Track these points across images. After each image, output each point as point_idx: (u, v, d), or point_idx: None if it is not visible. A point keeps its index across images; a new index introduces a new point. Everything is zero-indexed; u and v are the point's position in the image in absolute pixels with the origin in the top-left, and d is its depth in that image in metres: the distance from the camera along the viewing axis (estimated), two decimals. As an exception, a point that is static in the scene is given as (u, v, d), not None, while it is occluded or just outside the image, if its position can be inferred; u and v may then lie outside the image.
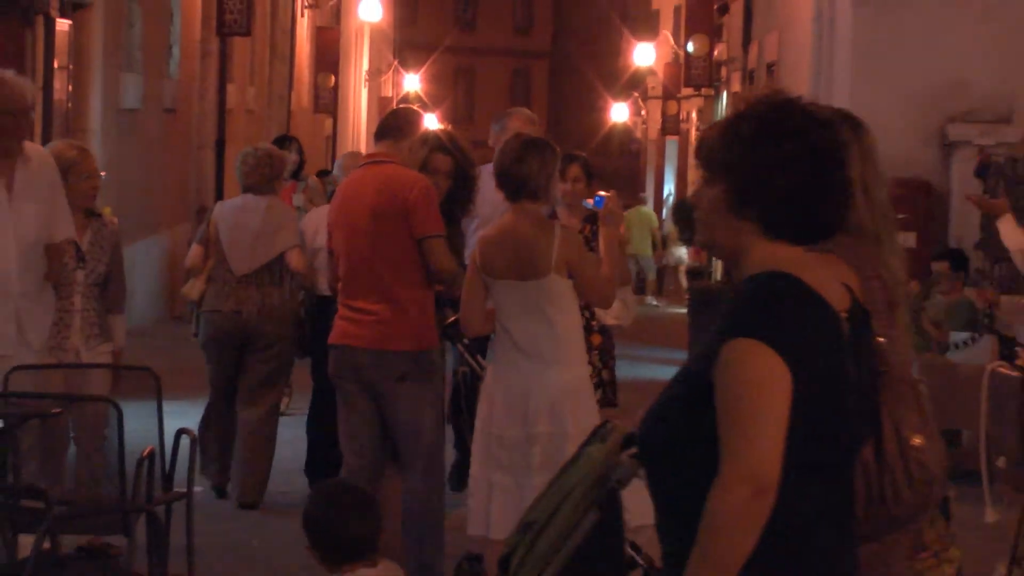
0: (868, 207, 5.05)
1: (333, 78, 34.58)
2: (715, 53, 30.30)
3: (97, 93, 18.28)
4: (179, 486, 7.50)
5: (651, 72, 43.93)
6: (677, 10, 35.24)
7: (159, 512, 7.04)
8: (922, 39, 16.39)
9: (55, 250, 8.23)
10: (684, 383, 3.89)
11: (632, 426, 4.15)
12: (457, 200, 8.92)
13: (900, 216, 17.20)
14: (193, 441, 7.34)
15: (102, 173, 9.28)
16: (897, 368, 3.99)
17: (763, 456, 3.69)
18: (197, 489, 7.75)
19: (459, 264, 8.18)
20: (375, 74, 46.23)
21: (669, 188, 42.46)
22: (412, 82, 54.38)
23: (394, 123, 8.59)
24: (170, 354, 14.26)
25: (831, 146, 3.92)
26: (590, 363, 8.30)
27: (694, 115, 37.63)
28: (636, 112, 52.43)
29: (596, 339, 9.37)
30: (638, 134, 53.61)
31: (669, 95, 39.72)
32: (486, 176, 8.82)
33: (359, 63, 42.40)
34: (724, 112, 30.06)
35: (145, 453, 6.99)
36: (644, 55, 42.77)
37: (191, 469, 7.26)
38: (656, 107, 44.35)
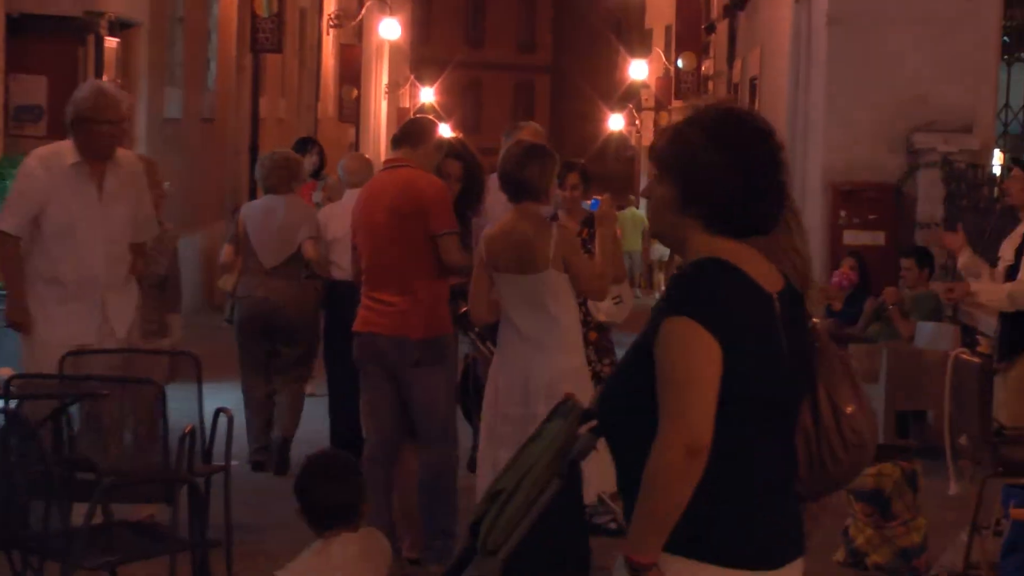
0: None
1: (356, 90, 34.55)
2: (703, 68, 30.28)
3: (143, 105, 18.28)
4: (217, 460, 7.52)
5: (644, 86, 43.88)
6: (668, 29, 35.21)
7: (199, 483, 7.05)
8: (890, 57, 16.37)
9: (139, 249, 8.27)
10: (634, 358, 3.97)
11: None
12: (467, 201, 8.92)
13: (871, 217, 17.19)
14: (230, 419, 7.34)
15: (166, 184, 9.32)
16: (828, 344, 4.04)
17: (695, 420, 3.77)
18: (234, 463, 7.76)
19: (469, 259, 8.19)
20: (394, 87, 46.20)
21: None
22: (427, 94, 54.32)
23: (411, 131, 8.59)
24: (209, 340, 14.23)
25: (768, 153, 3.97)
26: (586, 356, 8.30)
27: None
28: (631, 122, 52.35)
29: (592, 335, 9.37)
30: (632, 142, 53.56)
31: (661, 107, 39.69)
32: (495, 182, 8.84)
33: (379, 77, 42.38)
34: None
35: (187, 430, 7.00)
36: (638, 70, 42.72)
37: (228, 444, 7.27)
38: (649, 117, 44.34)
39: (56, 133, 15.98)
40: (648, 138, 45.73)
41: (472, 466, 10.01)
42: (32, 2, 15.47)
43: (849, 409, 4.01)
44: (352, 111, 34.69)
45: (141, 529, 6.95)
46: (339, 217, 10.35)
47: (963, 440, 8.95)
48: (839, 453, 4.01)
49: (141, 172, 8.30)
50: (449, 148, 8.90)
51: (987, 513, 8.67)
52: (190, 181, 20.21)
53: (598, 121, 58.23)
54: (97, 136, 8.00)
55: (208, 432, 7.32)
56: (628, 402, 3.94)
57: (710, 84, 30.17)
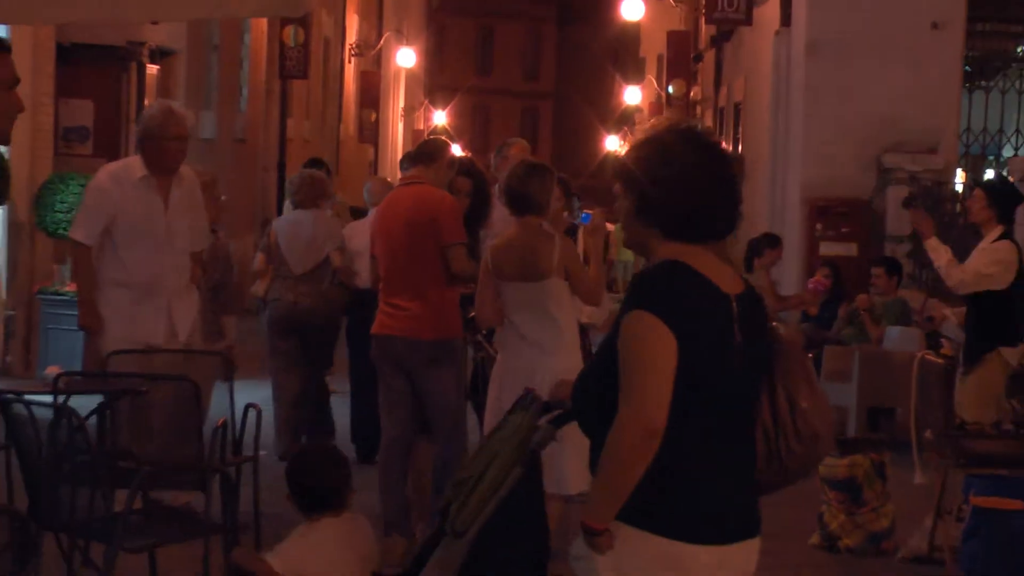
0: None
1: (375, 113, 34.57)
2: (691, 94, 30.25)
3: (180, 126, 18.25)
4: (247, 451, 7.51)
5: (638, 110, 43.82)
6: (660, 58, 35.16)
7: (231, 472, 7.04)
8: (862, 84, 16.37)
9: (196, 257, 8.28)
10: (602, 349, 4.01)
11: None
12: (476, 214, 8.92)
13: (844, 229, 17.18)
14: (259, 414, 7.34)
15: (223, 197, 9.33)
16: (788, 345, 4.05)
17: (651, 404, 3.80)
18: (262, 453, 7.75)
19: (476, 268, 8.18)
20: (409, 110, 46.20)
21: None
22: (440, 117, 54.27)
23: (426, 151, 8.60)
24: (240, 342, 14.23)
25: (717, 166, 4.01)
26: None
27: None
28: (626, 142, 52.38)
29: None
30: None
31: (653, 129, 39.63)
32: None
33: (396, 101, 42.39)
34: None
35: (219, 423, 6.99)
36: (632, 96, 42.70)
37: (257, 436, 7.26)
38: (642, 139, 44.30)
39: (101, 152, 16.06)
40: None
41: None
42: (80, 32, 15.48)
43: (804, 405, 4.02)
44: (371, 132, 34.73)
45: (177, 514, 6.94)
46: (361, 232, 10.43)
47: (928, 434, 8.95)
48: (793, 445, 4.02)
49: (198, 185, 8.30)
50: (460, 166, 8.91)
51: (950, 501, 8.66)
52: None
53: (596, 142, 58.22)
54: (166, 152, 7.99)
55: (239, 425, 7.31)
56: (598, 390, 3.97)
57: (698, 108, 30.15)
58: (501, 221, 9.10)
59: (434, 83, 58.93)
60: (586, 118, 58.84)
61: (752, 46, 21.06)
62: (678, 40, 30.48)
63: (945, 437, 8.75)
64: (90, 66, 16.04)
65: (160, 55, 17.65)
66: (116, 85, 16.49)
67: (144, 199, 7.96)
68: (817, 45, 16.72)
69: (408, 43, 39.98)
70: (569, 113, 66.15)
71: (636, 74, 44.37)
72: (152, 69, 17.24)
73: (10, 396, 6.64)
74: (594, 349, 9.65)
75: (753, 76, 21.23)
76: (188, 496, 7.36)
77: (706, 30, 27.21)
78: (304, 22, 24.25)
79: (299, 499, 5.22)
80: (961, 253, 9.97)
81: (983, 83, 17.49)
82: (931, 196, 16.01)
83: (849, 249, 16.20)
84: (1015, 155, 16.99)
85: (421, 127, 50.39)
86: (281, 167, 24.11)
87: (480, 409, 9.48)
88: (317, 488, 5.09)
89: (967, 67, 17.04)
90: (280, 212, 15.40)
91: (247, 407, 7.32)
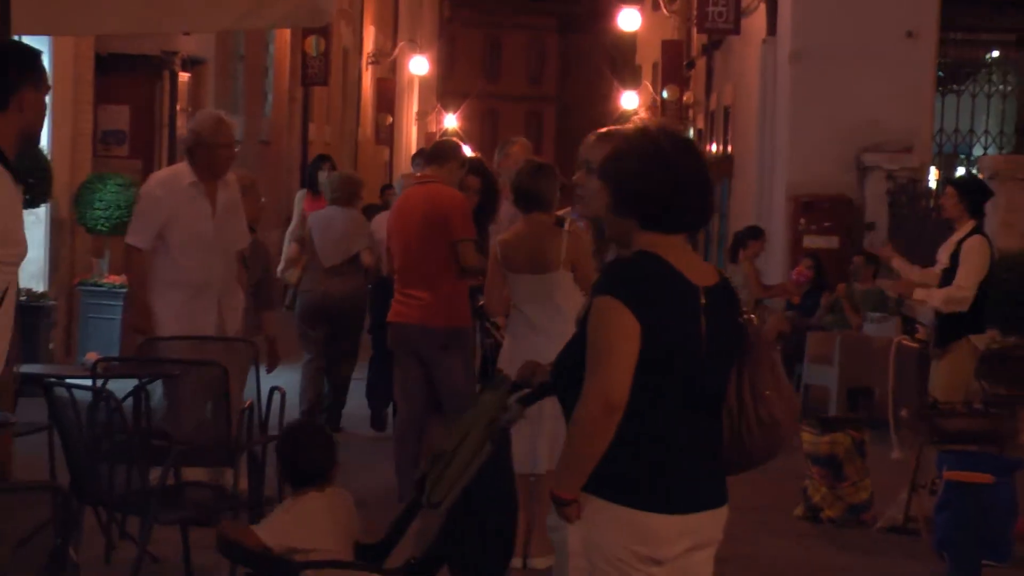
0: None
1: (390, 117, 34.55)
2: (684, 99, 30.22)
3: (210, 130, 18.25)
4: (272, 431, 7.51)
5: (635, 113, 43.86)
6: (655, 66, 35.13)
7: (257, 450, 7.05)
8: (843, 88, 16.35)
9: (240, 256, 8.25)
10: (578, 332, 4.03)
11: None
12: (485, 211, 8.91)
13: (826, 224, 17.19)
14: (283, 396, 7.34)
15: (263, 199, 9.32)
16: (758, 336, 4.05)
17: (612, 382, 3.82)
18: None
19: (483, 261, 8.18)
20: (422, 115, 46.18)
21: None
22: (451, 120, 54.22)
23: (438, 152, 8.60)
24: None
25: (689, 163, 4.01)
26: None
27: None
28: (623, 144, 52.33)
29: None
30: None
31: (648, 131, 39.62)
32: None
33: (410, 106, 42.38)
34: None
35: (247, 405, 7.00)
36: (629, 100, 42.69)
37: (281, 417, 7.25)
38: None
39: (136, 154, 16.09)
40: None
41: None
42: (118, 43, 15.48)
43: (767, 393, 4.02)
44: (387, 135, 34.71)
45: (208, 489, 6.95)
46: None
47: (904, 413, 8.96)
48: (754, 429, 4.02)
49: (238, 188, 8.25)
50: (470, 165, 8.90)
51: (924, 475, 8.66)
52: (250, 194, 20.18)
53: (596, 143, 58.11)
54: (217, 158, 7.92)
55: (264, 407, 7.32)
56: (572, 369, 3.98)
57: (690, 112, 30.13)
58: (508, 217, 9.11)
59: (445, 89, 58.88)
60: (586, 121, 58.76)
61: (740, 54, 21.04)
62: (671, 49, 30.45)
63: (920, 416, 8.75)
64: (126, 74, 16.05)
65: (191, 64, 17.66)
66: (150, 92, 16.50)
67: (194, 204, 7.89)
68: (801, 53, 16.70)
69: (421, 52, 39.95)
70: (570, 116, 66.10)
71: (633, 80, 44.36)
72: (184, 77, 17.25)
73: (52, 380, 6.66)
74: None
75: (741, 82, 21.21)
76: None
77: (698, 39, 27.18)
78: (325, 33, 24.25)
79: (287, 475, 5.22)
80: (935, 245, 9.95)
81: (955, 87, 17.46)
82: (907, 192, 16.00)
83: (831, 242, 16.19)
84: (984, 154, 16.97)
85: (433, 130, 50.38)
86: (303, 169, 24.10)
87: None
88: (303, 464, 5.08)
89: (940, 73, 17.02)
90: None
91: (272, 390, 7.33)
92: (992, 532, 7.98)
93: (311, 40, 24.33)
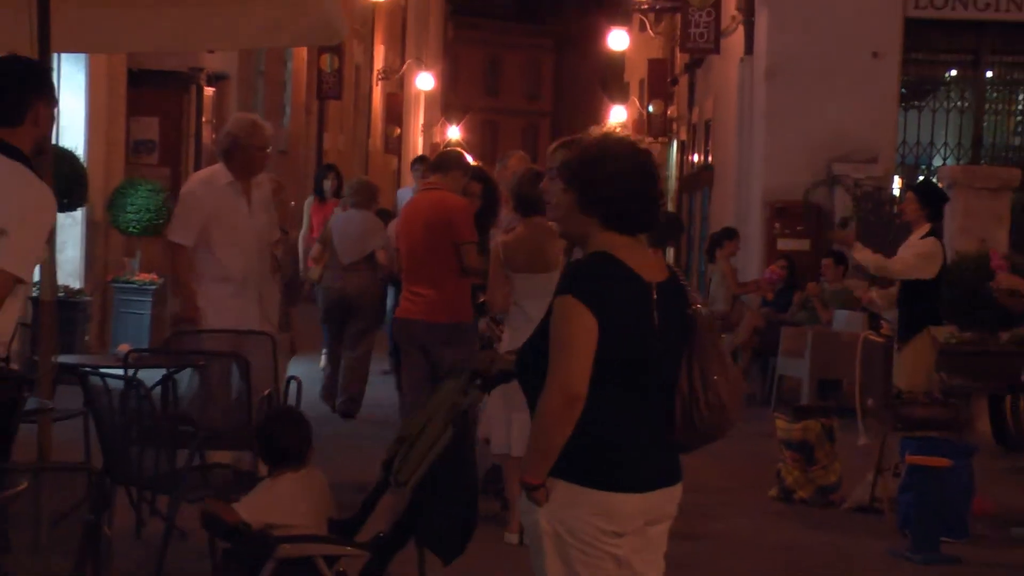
0: None
1: (398, 129, 34.55)
2: (668, 113, 30.21)
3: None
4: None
5: (623, 126, 43.89)
6: (642, 82, 35.11)
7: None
8: (814, 103, 16.35)
9: (274, 252, 8.18)
10: (540, 329, 4.02)
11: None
12: (486, 214, 8.90)
13: (798, 228, 17.14)
14: (299, 385, 7.33)
15: (291, 203, 9.27)
16: (704, 326, 4.05)
17: (572, 375, 3.83)
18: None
19: (484, 263, 8.15)
20: (428, 126, 46.17)
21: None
22: (454, 132, 54.23)
23: (442, 161, 8.58)
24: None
25: (645, 168, 4.03)
26: None
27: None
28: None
29: None
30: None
31: (636, 143, 39.59)
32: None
33: (417, 118, 42.37)
34: (673, 155, 30.44)
35: (266, 393, 6.99)
36: (618, 114, 42.68)
37: (298, 404, 7.23)
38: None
39: (165, 162, 16.10)
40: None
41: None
42: (148, 60, 15.48)
43: (715, 378, 4.03)
44: (395, 145, 34.71)
45: (230, 470, 6.93)
46: None
47: (870, 402, 8.95)
48: (704, 412, 4.03)
49: (269, 187, 8.18)
50: (473, 172, 8.90)
51: (888, 459, 8.66)
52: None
53: (587, 153, 58.09)
54: (253, 159, 7.81)
55: (283, 395, 7.30)
56: (535, 362, 3.98)
57: (674, 125, 30.12)
58: (506, 222, 9.10)
59: (449, 103, 58.85)
60: (579, 133, 58.68)
61: (720, 71, 21.03)
62: (657, 67, 30.43)
63: (885, 405, 8.75)
64: (156, 89, 16.06)
65: (215, 79, 17.66)
66: (178, 105, 16.52)
67: (232, 202, 7.77)
68: (775, 71, 16.70)
69: (427, 69, 39.93)
70: (564, 129, 65.79)
71: (622, 96, 44.36)
72: (208, 91, 17.26)
73: (87, 369, 6.65)
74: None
75: (721, 97, 21.20)
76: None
77: (681, 58, 27.16)
78: (338, 51, 24.25)
79: (265, 455, 5.21)
80: (897, 248, 9.95)
81: (916, 103, 17.46)
82: (872, 199, 16.02)
83: (803, 245, 16.19)
84: (944, 164, 16.99)
85: (438, 140, 50.33)
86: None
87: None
88: (281, 446, 5.07)
89: (903, 90, 17.02)
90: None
91: (289, 379, 7.32)
92: (950, 512, 7.98)
93: (326, 57, 24.32)
